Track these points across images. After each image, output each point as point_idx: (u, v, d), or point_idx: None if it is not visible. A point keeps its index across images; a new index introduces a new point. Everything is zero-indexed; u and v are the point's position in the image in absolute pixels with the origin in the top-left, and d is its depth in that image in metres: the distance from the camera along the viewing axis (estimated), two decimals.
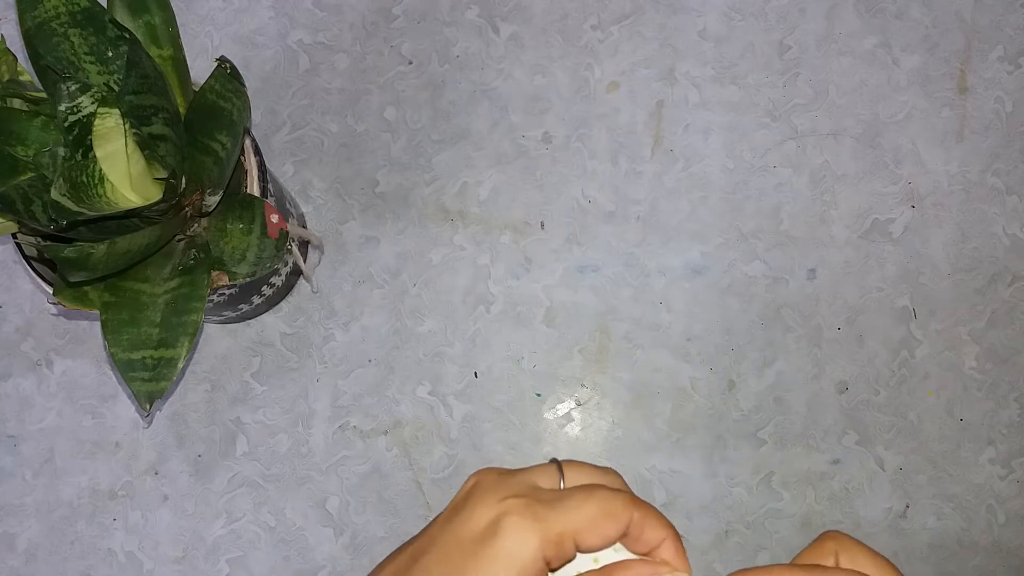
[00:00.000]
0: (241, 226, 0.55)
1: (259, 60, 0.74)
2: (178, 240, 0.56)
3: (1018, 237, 0.71)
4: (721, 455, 0.68)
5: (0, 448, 0.69)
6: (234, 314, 0.67)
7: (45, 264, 0.56)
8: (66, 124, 0.46)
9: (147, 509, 0.68)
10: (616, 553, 0.27)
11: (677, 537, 0.27)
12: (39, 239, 0.51)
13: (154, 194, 0.48)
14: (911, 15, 0.74)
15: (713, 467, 0.68)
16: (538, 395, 0.69)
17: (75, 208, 0.43)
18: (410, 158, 0.72)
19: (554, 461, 0.29)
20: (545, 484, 0.28)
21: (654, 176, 0.72)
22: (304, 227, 0.71)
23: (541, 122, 0.73)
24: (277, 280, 0.65)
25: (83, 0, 0.47)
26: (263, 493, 0.68)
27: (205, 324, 0.70)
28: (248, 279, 0.55)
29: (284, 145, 0.73)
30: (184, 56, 0.54)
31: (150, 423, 0.69)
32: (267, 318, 0.70)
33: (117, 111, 0.44)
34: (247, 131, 0.57)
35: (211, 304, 0.60)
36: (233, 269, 0.55)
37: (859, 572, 0.24)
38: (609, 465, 0.69)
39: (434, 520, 0.28)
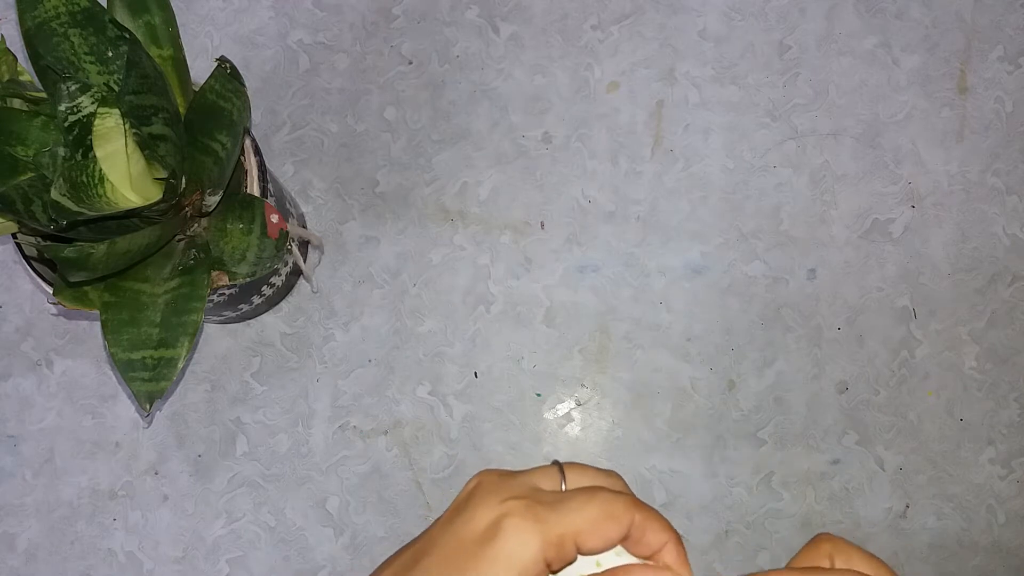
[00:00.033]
0: (241, 226, 0.55)
1: (259, 60, 0.74)
2: (178, 240, 0.56)
3: (1018, 237, 0.71)
4: (721, 455, 0.68)
5: (0, 448, 0.69)
6: (234, 314, 0.67)
7: (45, 264, 0.56)
8: (66, 124, 0.46)
9: (147, 509, 0.68)
10: (618, 557, 0.27)
11: (679, 541, 0.27)
12: (39, 239, 0.51)
13: (154, 194, 0.48)
14: (911, 15, 0.74)
15: (713, 467, 0.68)
16: (538, 395, 0.69)
17: (75, 208, 0.43)
18: (410, 158, 0.72)
19: (556, 463, 0.29)
20: (546, 486, 0.28)
21: (654, 176, 0.72)
22: (304, 227, 0.70)
23: (541, 122, 0.73)
24: (277, 280, 0.65)
25: (83, 0, 0.47)
26: (263, 493, 0.68)
27: (205, 324, 0.70)
28: (248, 279, 0.55)
29: (284, 145, 0.73)
30: (184, 56, 0.54)
31: (150, 423, 0.69)
32: (267, 318, 0.70)
33: (117, 111, 0.44)
34: (247, 131, 0.57)
35: (211, 304, 0.60)
36: (233, 269, 0.55)
37: (856, 572, 0.24)
38: (609, 465, 0.69)
39: (436, 521, 0.28)
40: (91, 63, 0.48)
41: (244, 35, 0.75)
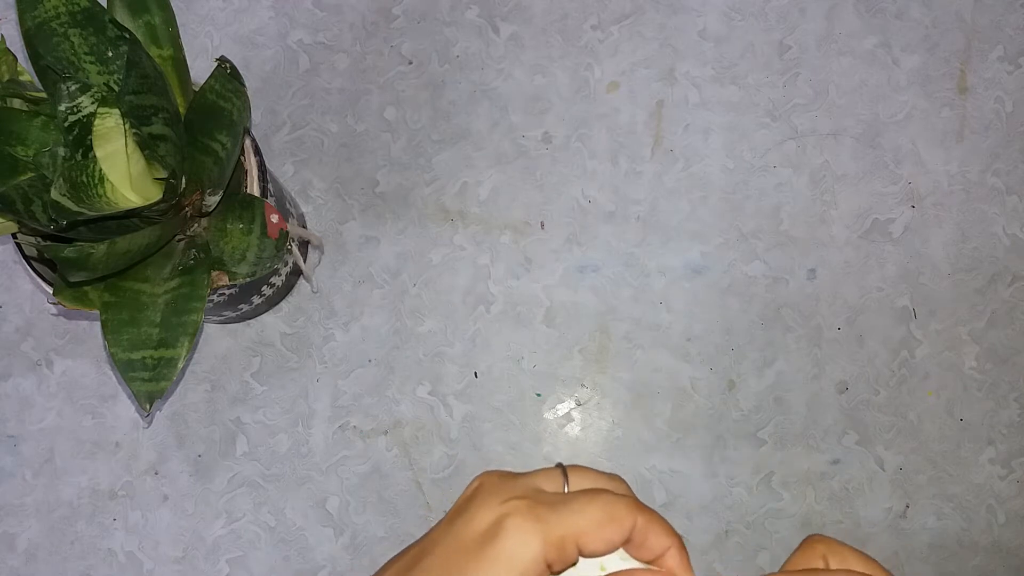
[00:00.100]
0: (241, 226, 0.55)
1: (259, 60, 0.74)
2: (178, 240, 0.56)
3: (1018, 237, 0.71)
4: (721, 455, 0.68)
5: (0, 448, 0.69)
6: (234, 314, 0.67)
7: (45, 264, 0.56)
8: (66, 124, 0.46)
9: (147, 509, 0.68)
10: (623, 561, 0.27)
11: (682, 546, 0.27)
12: (39, 239, 0.51)
13: (154, 194, 0.48)
14: (911, 15, 0.74)
15: (713, 467, 0.68)
16: (538, 395, 0.69)
17: (75, 208, 0.43)
18: (410, 158, 0.72)
19: (559, 465, 0.29)
20: (549, 488, 0.28)
21: (654, 176, 0.72)
22: (304, 227, 0.70)
23: (541, 122, 0.73)
24: (277, 280, 0.65)
25: (83, 0, 0.47)
26: (263, 493, 0.68)
27: (205, 324, 0.70)
28: (248, 279, 0.55)
29: (284, 145, 0.73)
30: (184, 56, 0.54)
31: (150, 423, 0.69)
32: (267, 318, 0.70)
33: (117, 111, 0.44)
34: (247, 131, 0.57)
35: (211, 304, 0.60)
36: (233, 269, 0.55)
37: (853, 571, 0.24)
38: (609, 465, 0.69)
39: (438, 523, 0.28)
40: (91, 63, 0.48)
41: (244, 35, 0.75)
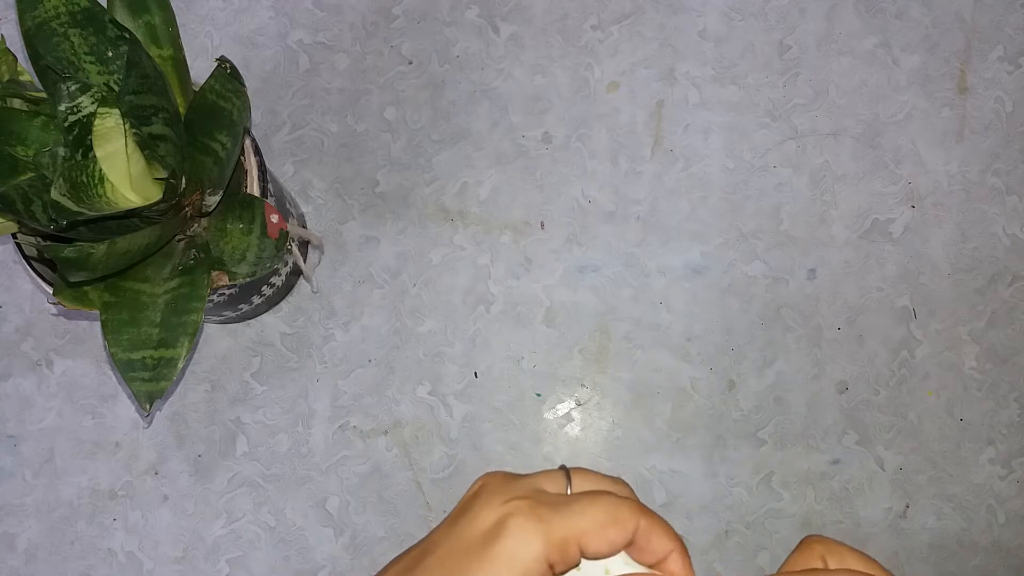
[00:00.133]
0: (241, 226, 0.55)
1: (259, 60, 0.74)
2: (178, 240, 0.56)
3: (1018, 237, 0.71)
4: (721, 455, 0.68)
5: (0, 448, 0.69)
6: (234, 314, 0.67)
7: (45, 264, 0.56)
8: (66, 124, 0.46)
9: (147, 509, 0.68)
10: (627, 565, 0.27)
11: (684, 550, 0.27)
12: (39, 239, 0.51)
13: (154, 194, 0.48)
14: (911, 15, 0.74)
15: (713, 467, 0.68)
16: (538, 395, 0.69)
17: (75, 208, 0.43)
18: (410, 158, 0.72)
19: (562, 468, 0.29)
20: (552, 489, 0.28)
21: (654, 176, 0.72)
22: (304, 227, 0.71)
23: (541, 122, 0.73)
24: (277, 280, 0.65)
25: (83, 0, 0.47)
26: (263, 493, 0.68)
27: (205, 324, 0.70)
28: (248, 279, 0.55)
29: (284, 145, 0.73)
30: (184, 56, 0.54)
31: (150, 423, 0.69)
32: (267, 318, 0.70)
33: (117, 111, 0.44)
34: (247, 131, 0.57)
35: (211, 304, 0.60)
36: (233, 269, 0.55)
37: (852, 571, 0.24)
38: (609, 465, 0.69)
39: (440, 523, 0.28)
40: (91, 63, 0.48)
41: (244, 35, 0.75)
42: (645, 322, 0.70)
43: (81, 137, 0.46)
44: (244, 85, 0.52)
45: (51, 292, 0.53)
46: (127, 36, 0.45)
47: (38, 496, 0.68)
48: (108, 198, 0.45)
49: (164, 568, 0.67)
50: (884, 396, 0.69)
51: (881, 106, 0.73)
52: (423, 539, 0.28)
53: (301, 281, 0.71)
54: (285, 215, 0.60)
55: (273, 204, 0.57)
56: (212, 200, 0.55)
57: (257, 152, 0.58)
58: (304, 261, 0.66)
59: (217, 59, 0.51)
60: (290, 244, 0.57)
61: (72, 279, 0.50)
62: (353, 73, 0.74)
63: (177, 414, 0.69)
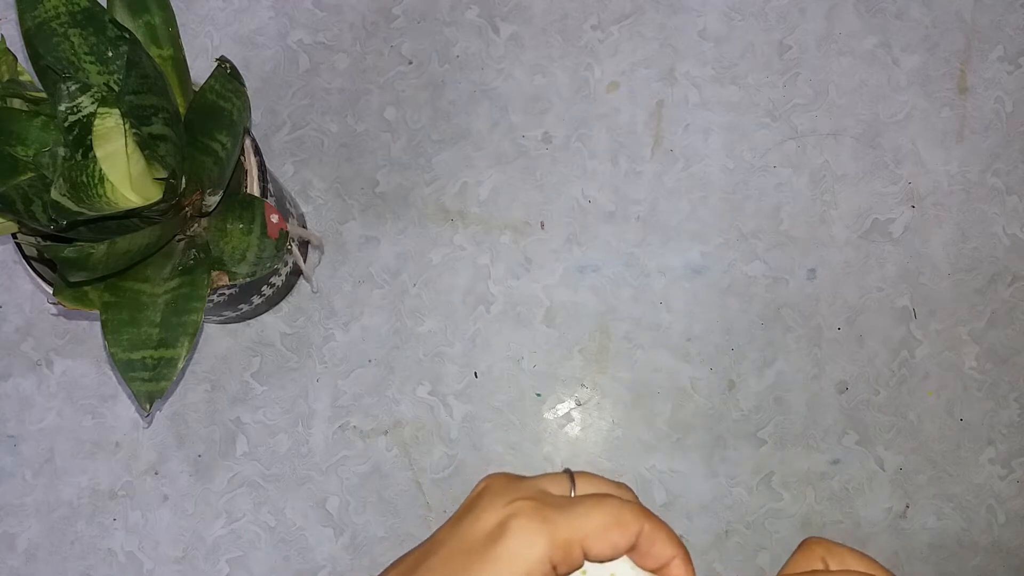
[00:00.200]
0: (241, 226, 0.55)
1: (259, 60, 0.74)
2: (178, 240, 0.56)
3: (1018, 237, 0.71)
4: (721, 455, 0.68)
5: (0, 448, 0.69)
6: (234, 314, 0.67)
7: (45, 264, 0.56)
8: (66, 124, 0.46)
9: (147, 509, 0.68)
10: (633, 571, 0.27)
11: (687, 556, 0.27)
12: (39, 239, 0.51)
13: (154, 194, 0.48)
14: (911, 15, 0.74)
15: (713, 467, 0.68)
16: (538, 395, 0.69)
17: (75, 208, 0.43)
18: (410, 158, 0.72)
19: (567, 471, 0.29)
20: (555, 491, 0.28)
21: (654, 176, 0.72)
22: (304, 227, 0.71)
23: (541, 122, 0.73)
24: (277, 280, 0.65)
25: (83, 0, 0.47)
26: (263, 493, 0.68)
27: (205, 324, 0.70)
28: (248, 279, 0.55)
29: (284, 145, 0.73)
30: (184, 56, 0.54)
31: (150, 423, 0.69)
32: (267, 318, 0.70)
33: (117, 111, 0.44)
34: (247, 131, 0.57)
35: (211, 304, 0.60)
36: (233, 269, 0.55)
37: (853, 571, 0.24)
38: (609, 465, 0.69)
39: (443, 524, 0.28)
40: (91, 63, 0.48)
41: (244, 35, 0.75)
42: (645, 322, 0.70)
43: (81, 137, 0.46)
44: (244, 85, 0.52)
45: (51, 292, 0.53)
46: (127, 36, 0.45)
47: (38, 496, 0.68)
48: (108, 198, 0.45)
49: (164, 568, 0.67)
50: (884, 396, 0.69)
51: (881, 106, 0.73)
52: (426, 540, 0.28)
53: (301, 281, 0.71)
54: (285, 215, 0.60)
55: (273, 204, 0.57)
56: (212, 200, 0.55)
57: (257, 152, 0.58)
58: (304, 261, 0.66)
59: (217, 59, 0.51)
60: (290, 244, 0.57)
61: (72, 279, 0.50)
62: (353, 73, 0.74)
63: (177, 414, 0.69)
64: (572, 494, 0.28)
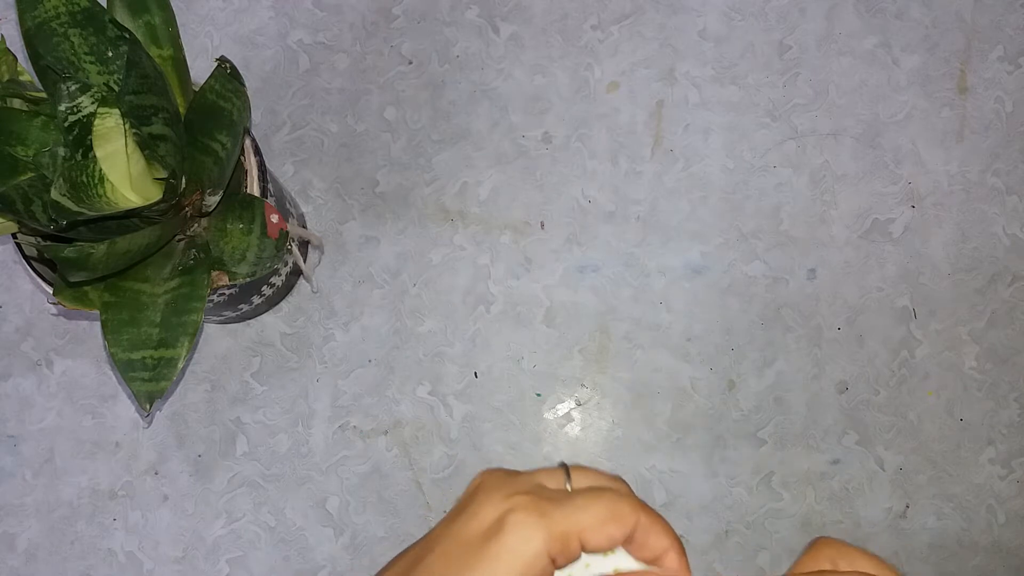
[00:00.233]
0: (241, 226, 0.55)
1: (259, 60, 0.74)
2: (178, 240, 0.56)
3: (1018, 237, 0.71)
4: (721, 455, 0.68)
5: (0, 448, 0.69)
6: (234, 314, 0.67)
7: (45, 264, 0.56)
8: (66, 124, 0.46)
9: (147, 509, 0.68)
10: (635, 562, 0.27)
11: (682, 549, 0.27)
12: (39, 239, 0.51)
13: (154, 194, 0.48)
14: (911, 15, 0.74)
15: (713, 467, 0.68)
16: (538, 395, 0.69)
17: (75, 208, 0.43)
18: (410, 158, 0.72)
19: (562, 465, 0.29)
20: (551, 486, 0.28)
21: (654, 176, 0.72)
22: (304, 227, 0.71)
23: (541, 122, 0.73)
24: (277, 280, 0.65)
25: (83, 0, 0.47)
26: (263, 493, 0.68)
27: (205, 324, 0.70)
28: (248, 279, 0.55)
29: (284, 145, 0.73)
30: (184, 56, 0.54)
31: (150, 423, 0.69)
32: (267, 318, 0.70)
33: (117, 111, 0.44)
34: (247, 131, 0.57)
35: (211, 304, 0.60)
36: (233, 269, 0.55)
37: (863, 573, 0.24)
38: (609, 465, 0.69)
39: (440, 521, 0.28)
40: (91, 63, 0.48)
41: (244, 35, 0.75)
42: (645, 322, 0.70)
43: (81, 137, 0.46)
44: (244, 85, 0.52)
45: (51, 292, 0.53)
46: (127, 36, 0.45)
47: (38, 496, 0.68)
48: (108, 198, 0.45)
49: (164, 568, 0.67)
50: (884, 396, 0.69)
51: (881, 106, 0.73)
52: (423, 537, 0.28)
53: (301, 281, 0.71)
54: (285, 215, 0.60)
55: (273, 204, 0.57)
56: (212, 200, 0.55)
57: (257, 152, 0.58)
58: (304, 261, 0.66)
59: (217, 59, 0.51)
60: (290, 244, 0.57)
61: (72, 279, 0.50)
62: (353, 73, 0.74)
63: (177, 414, 0.69)
64: (568, 488, 0.28)
